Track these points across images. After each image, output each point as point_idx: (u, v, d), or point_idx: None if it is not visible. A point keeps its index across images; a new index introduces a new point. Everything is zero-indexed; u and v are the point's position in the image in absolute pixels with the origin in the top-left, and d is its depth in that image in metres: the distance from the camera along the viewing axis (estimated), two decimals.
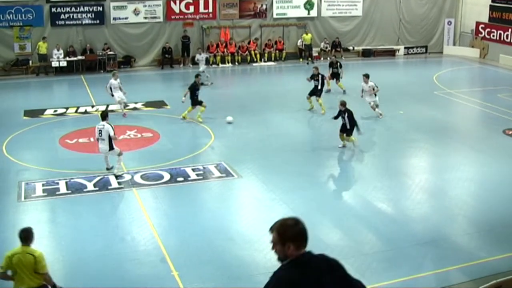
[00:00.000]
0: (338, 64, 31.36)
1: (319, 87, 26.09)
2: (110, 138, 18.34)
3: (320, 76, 26.41)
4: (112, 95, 25.86)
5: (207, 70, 33.86)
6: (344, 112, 21.10)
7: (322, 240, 14.20)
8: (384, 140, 23.00)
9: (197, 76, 25.55)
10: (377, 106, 25.26)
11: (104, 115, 18.93)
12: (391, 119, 25.42)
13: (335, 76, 31.29)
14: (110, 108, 27.12)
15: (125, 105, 26.60)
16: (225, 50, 39.51)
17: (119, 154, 18.66)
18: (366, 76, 25.46)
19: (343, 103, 21.40)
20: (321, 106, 25.90)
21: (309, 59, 40.58)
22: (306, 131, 23.57)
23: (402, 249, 13.91)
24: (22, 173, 19.03)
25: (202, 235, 14.60)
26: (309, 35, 40.74)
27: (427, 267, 13.20)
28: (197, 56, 34.84)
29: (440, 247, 14.08)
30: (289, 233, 5.68)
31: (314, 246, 14.43)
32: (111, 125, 18.55)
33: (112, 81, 25.69)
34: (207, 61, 36.27)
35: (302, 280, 5.56)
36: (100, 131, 18.36)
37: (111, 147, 18.46)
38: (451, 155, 21.20)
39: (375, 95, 25.32)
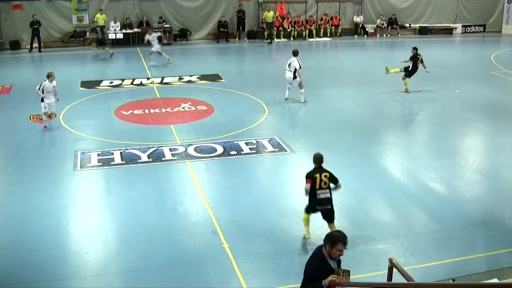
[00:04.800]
0: None
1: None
2: None
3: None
4: (42, 100, 20.47)
5: (162, 49, 31.97)
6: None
7: (372, 217, 14.20)
8: (438, 119, 22.69)
9: None
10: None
11: None
12: (446, 98, 25.10)
13: None
14: (165, 80, 27.50)
15: (51, 115, 21.30)
16: (281, 25, 39.47)
17: None
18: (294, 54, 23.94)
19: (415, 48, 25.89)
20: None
21: (365, 36, 40.34)
22: (361, 108, 23.38)
23: (454, 229, 13.79)
24: (78, 142, 19.43)
25: (253, 209, 14.68)
26: (271, 12, 39.63)
27: (478, 249, 13.04)
28: (147, 36, 32.45)
29: (492, 229, 13.90)
30: None
31: (365, 223, 14.36)
32: None
33: (46, 83, 20.39)
34: (160, 40, 33.21)
35: None
36: None
37: None
38: (506, 136, 20.82)
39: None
